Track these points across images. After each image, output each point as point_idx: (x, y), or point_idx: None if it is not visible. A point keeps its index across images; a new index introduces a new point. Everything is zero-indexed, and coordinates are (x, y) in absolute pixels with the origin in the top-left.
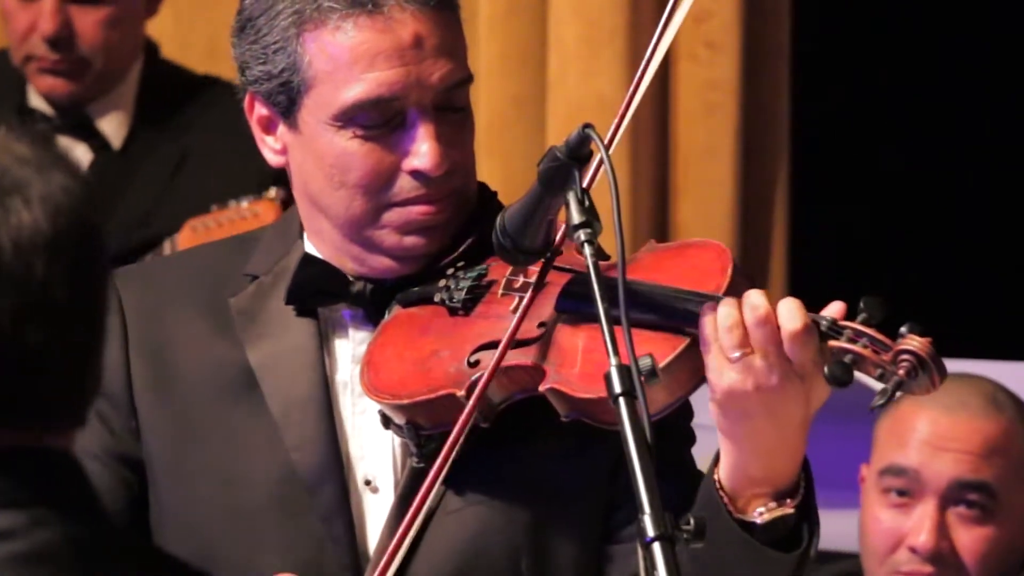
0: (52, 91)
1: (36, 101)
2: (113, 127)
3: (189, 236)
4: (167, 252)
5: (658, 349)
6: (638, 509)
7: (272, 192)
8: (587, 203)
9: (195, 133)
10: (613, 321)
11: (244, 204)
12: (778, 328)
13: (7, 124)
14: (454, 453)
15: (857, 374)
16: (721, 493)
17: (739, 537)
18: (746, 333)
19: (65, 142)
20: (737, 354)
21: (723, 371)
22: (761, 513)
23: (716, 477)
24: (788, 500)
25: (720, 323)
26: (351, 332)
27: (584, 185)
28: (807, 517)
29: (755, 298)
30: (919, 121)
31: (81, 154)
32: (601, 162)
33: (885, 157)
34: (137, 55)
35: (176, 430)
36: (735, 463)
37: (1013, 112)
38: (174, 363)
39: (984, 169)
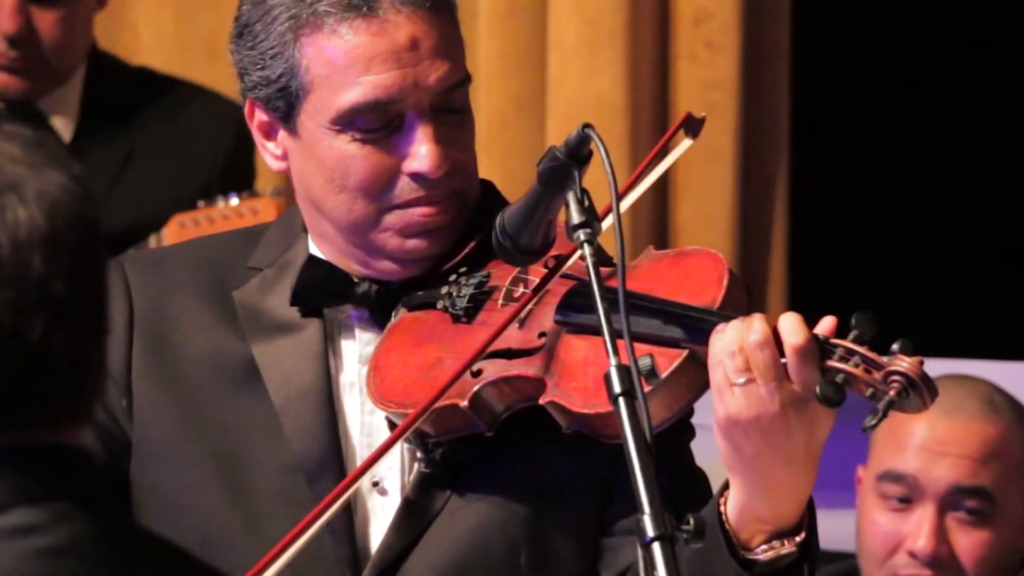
0: (6, 87)
1: None
2: (62, 122)
3: (176, 231)
4: (152, 246)
5: (655, 361)
6: (638, 509)
7: (270, 190)
8: (587, 203)
9: (141, 129)
10: (612, 326)
11: (235, 201)
12: (779, 352)
13: None
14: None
15: None
16: (726, 528)
17: (737, 574)
18: (747, 358)
19: None
20: (741, 379)
21: (726, 396)
22: (764, 550)
23: (722, 510)
24: (792, 538)
25: (724, 347)
26: (357, 333)
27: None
28: (808, 556)
29: (755, 322)
30: (919, 121)
31: None
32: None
33: (885, 157)
34: (86, 52)
35: (177, 413)
36: (743, 502)
37: (1015, 112)
38: (178, 347)
39: (985, 169)
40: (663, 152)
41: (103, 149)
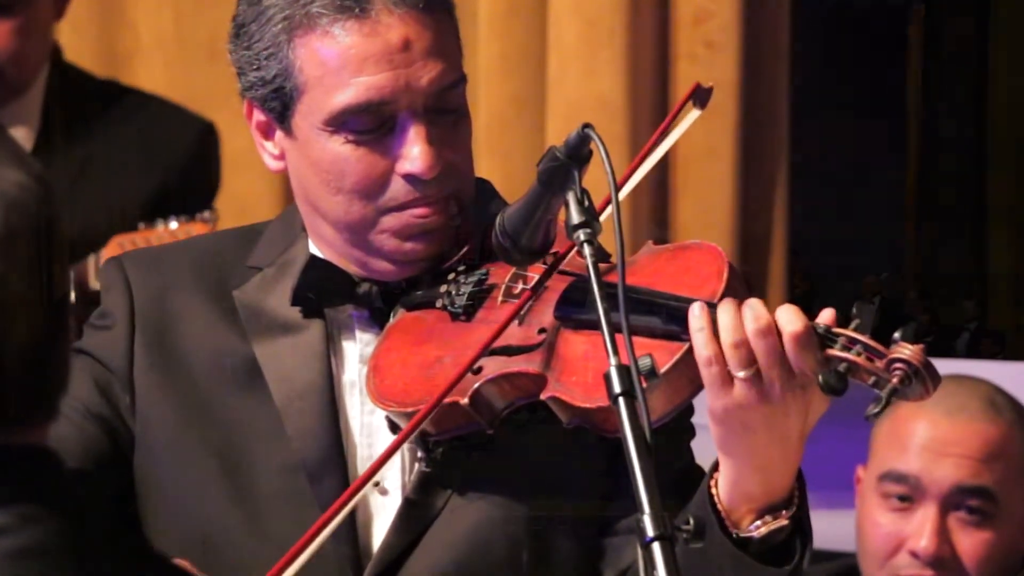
0: None
1: None
2: (21, 134)
3: (115, 252)
4: (91, 266)
5: (656, 356)
6: (638, 509)
7: (207, 214)
8: (587, 203)
9: (97, 140)
10: (612, 325)
11: (174, 225)
12: (780, 338)
13: None
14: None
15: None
16: (717, 508)
17: (732, 554)
18: (751, 349)
19: None
20: (743, 373)
21: (724, 389)
22: (758, 527)
23: (713, 492)
24: (783, 512)
25: (725, 340)
26: (357, 333)
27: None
28: (800, 529)
29: (757, 309)
30: (919, 120)
31: None
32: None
33: (884, 157)
34: (46, 62)
35: (179, 410)
36: (734, 479)
37: (1014, 111)
38: (179, 344)
39: (985, 168)
40: (654, 152)
41: (60, 160)
